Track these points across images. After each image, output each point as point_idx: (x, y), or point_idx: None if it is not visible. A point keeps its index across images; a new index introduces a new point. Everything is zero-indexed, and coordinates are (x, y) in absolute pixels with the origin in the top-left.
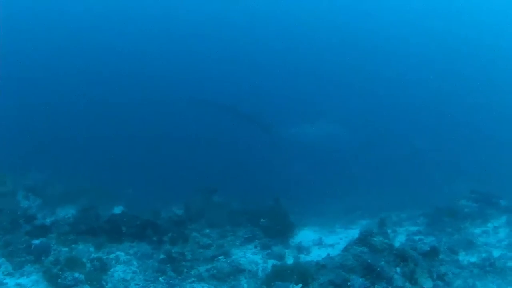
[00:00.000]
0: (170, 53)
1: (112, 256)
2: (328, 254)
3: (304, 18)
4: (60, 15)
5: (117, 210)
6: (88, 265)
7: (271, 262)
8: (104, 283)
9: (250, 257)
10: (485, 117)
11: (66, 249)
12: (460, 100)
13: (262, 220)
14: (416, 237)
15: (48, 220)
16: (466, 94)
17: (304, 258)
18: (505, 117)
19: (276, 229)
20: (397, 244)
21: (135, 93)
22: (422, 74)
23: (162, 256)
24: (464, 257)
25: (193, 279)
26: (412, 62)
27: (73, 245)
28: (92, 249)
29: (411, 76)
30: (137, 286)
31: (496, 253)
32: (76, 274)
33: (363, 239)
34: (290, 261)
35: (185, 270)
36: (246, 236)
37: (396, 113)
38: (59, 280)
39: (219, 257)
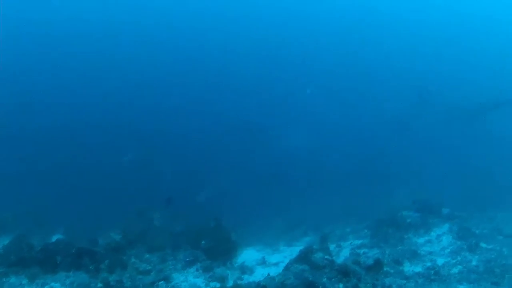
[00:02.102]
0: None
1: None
2: (269, 274)
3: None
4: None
5: (51, 238)
6: None
7: (213, 284)
8: None
9: (192, 280)
10: (423, 124)
11: None
12: (394, 108)
13: (203, 242)
14: (360, 251)
15: None
16: (399, 102)
17: (247, 278)
18: (443, 124)
19: (218, 250)
20: (341, 259)
21: (65, 116)
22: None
23: (99, 285)
24: (409, 268)
25: None
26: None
27: (3, 279)
28: (25, 281)
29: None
30: None
31: (440, 261)
32: None
33: (304, 257)
34: (231, 283)
35: None
36: (187, 259)
37: (335, 126)
38: None
39: (159, 283)
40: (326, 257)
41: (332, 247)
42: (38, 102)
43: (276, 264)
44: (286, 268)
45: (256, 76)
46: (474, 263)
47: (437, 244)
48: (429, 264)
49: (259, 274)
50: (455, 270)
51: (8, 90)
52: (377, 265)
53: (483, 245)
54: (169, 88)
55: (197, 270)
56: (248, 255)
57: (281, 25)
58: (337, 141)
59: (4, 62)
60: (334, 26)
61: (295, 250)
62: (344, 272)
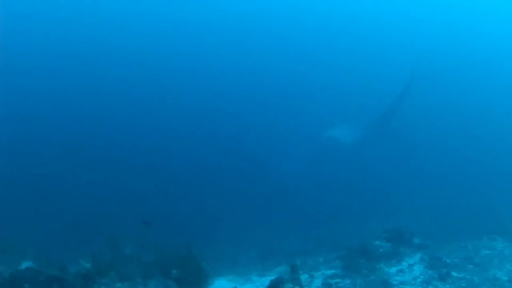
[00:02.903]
0: None
1: None
2: None
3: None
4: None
5: (19, 265)
6: None
7: None
8: None
9: None
10: (392, 150)
11: None
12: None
13: (174, 271)
14: (332, 281)
15: None
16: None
17: None
18: (416, 149)
19: (189, 279)
20: None
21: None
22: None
23: None
24: None
25: None
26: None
27: None
28: None
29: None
30: None
31: None
32: None
33: (274, 287)
34: None
35: None
36: None
37: (307, 154)
38: None
39: None
40: (296, 287)
41: (304, 277)
42: None
43: None
44: None
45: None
46: None
47: (408, 274)
48: None
49: None
50: None
51: None
52: None
53: (454, 274)
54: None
55: None
56: (219, 285)
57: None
58: (311, 169)
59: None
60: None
61: (267, 280)
62: None
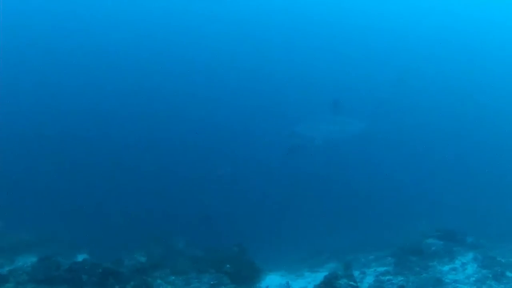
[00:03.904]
0: None
1: None
2: None
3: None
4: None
5: (77, 258)
6: None
7: None
8: None
9: None
10: (446, 150)
11: None
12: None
13: (227, 266)
14: (385, 278)
15: (5, 269)
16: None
17: None
18: (468, 150)
19: (242, 275)
20: (365, 286)
21: (94, 136)
22: None
23: None
24: None
25: None
26: None
27: None
28: None
29: None
30: None
31: None
32: None
33: (329, 283)
34: None
35: None
36: (212, 282)
37: (355, 149)
38: None
39: None
40: (351, 283)
41: (356, 273)
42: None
43: None
44: None
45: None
46: None
47: (462, 273)
48: None
49: None
50: None
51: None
52: None
53: (509, 274)
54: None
55: None
56: (271, 280)
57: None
58: (360, 168)
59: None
60: None
61: (318, 276)
62: None
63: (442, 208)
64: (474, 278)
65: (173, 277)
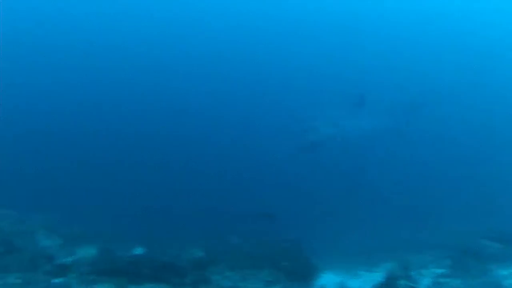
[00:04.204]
0: None
1: None
2: None
3: None
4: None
5: (136, 251)
6: None
7: None
8: None
9: None
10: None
11: None
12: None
13: (284, 263)
14: (443, 280)
15: (68, 260)
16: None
17: None
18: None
19: (298, 272)
20: (422, 287)
21: (148, 132)
22: None
23: None
24: None
25: None
26: None
27: (93, 285)
28: None
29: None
30: None
31: None
32: None
33: (388, 283)
34: None
35: None
36: (268, 279)
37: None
38: None
39: None
40: (411, 284)
41: (412, 274)
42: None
43: None
44: None
45: None
46: None
47: None
48: None
49: None
50: None
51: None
52: None
53: None
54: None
55: None
56: (327, 279)
57: None
58: (418, 169)
59: None
60: None
61: (374, 275)
62: None
63: (498, 209)
64: None
65: (229, 273)
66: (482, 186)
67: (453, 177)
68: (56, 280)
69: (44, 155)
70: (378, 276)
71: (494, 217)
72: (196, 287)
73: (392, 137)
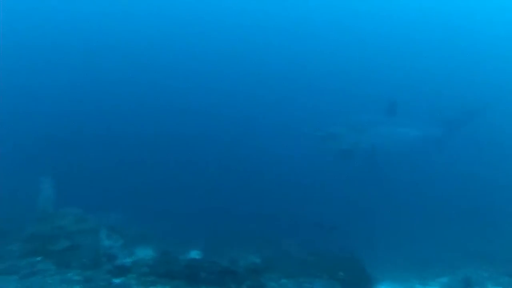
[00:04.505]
0: None
1: None
2: None
3: None
4: None
5: (194, 254)
6: None
7: None
8: None
9: None
10: None
11: None
12: None
13: (340, 273)
14: None
15: (128, 260)
16: None
17: None
18: None
19: (354, 282)
20: None
21: (211, 134)
22: None
23: None
24: None
25: None
26: None
27: (152, 287)
28: None
29: None
30: None
31: None
32: None
33: None
34: None
35: None
36: None
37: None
38: None
39: None
40: None
41: None
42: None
43: None
44: None
45: None
46: None
47: None
48: None
49: None
50: None
51: None
52: None
53: None
54: None
55: None
56: None
57: None
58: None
59: None
60: None
61: None
62: None
63: None
64: None
65: (285, 280)
66: None
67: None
68: (116, 280)
69: (108, 155)
70: None
71: None
72: None
73: (437, 146)
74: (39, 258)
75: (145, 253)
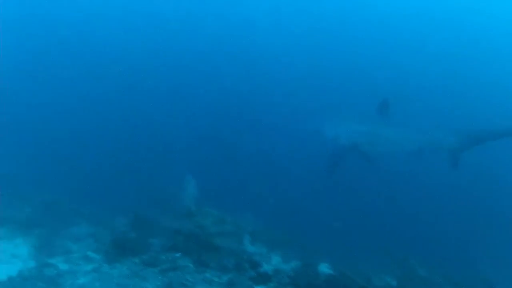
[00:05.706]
0: None
1: None
2: None
3: None
4: None
5: (331, 268)
6: None
7: None
8: None
9: None
10: None
11: None
12: None
13: None
14: None
15: (269, 268)
16: None
17: None
18: None
19: None
20: None
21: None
22: None
23: None
24: None
25: None
26: None
27: None
28: None
29: None
30: None
31: None
32: None
33: None
34: None
35: None
36: None
37: None
38: None
39: None
40: None
41: None
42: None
43: None
44: None
45: None
46: None
47: None
48: None
49: None
50: None
51: None
52: None
53: None
54: None
55: None
56: None
57: None
58: None
59: None
60: None
61: None
62: None
63: None
64: None
65: None
66: None
67: None
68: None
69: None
70: None
71: None
72: None
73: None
74: (178, 254)
75: (286, 262)
